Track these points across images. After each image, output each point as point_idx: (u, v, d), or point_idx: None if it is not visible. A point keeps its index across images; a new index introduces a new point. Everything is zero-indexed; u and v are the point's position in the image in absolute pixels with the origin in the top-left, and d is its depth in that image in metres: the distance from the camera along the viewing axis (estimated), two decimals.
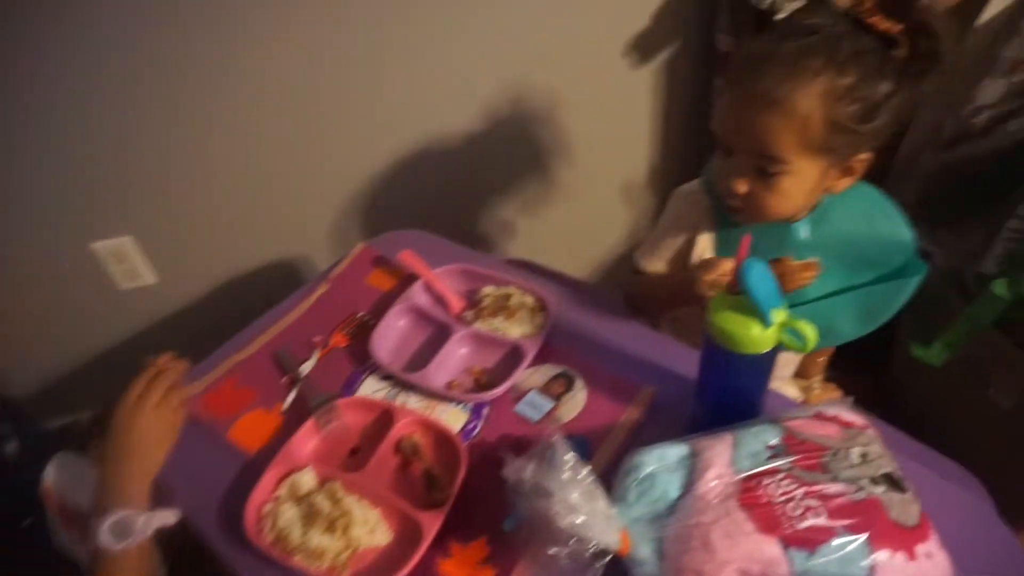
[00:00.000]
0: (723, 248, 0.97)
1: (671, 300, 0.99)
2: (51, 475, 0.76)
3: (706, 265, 0.85)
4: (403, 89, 1.41)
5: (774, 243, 0.90)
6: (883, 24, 0.74)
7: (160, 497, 0.75)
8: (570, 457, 0.64)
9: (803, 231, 0.91)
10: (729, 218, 0.92)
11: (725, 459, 0.67)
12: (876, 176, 1.37)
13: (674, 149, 1.69)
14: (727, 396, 0.79)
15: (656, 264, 1.02)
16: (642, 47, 1.49)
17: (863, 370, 1.57)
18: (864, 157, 0.82)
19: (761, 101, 0.76)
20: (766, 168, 0.80)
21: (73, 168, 1.34)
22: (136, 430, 0.63)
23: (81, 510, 0.77)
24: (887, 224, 0.89)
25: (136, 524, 0.65)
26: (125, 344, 1.60)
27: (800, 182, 0.81)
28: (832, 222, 0.90)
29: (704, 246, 0.97)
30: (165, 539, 0.94)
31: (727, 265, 0.83)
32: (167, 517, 0.70)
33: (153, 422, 0.65)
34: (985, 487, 0.96)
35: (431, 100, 1.44)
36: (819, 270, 0.85)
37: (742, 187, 0.83)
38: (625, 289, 1.07)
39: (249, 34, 1.25)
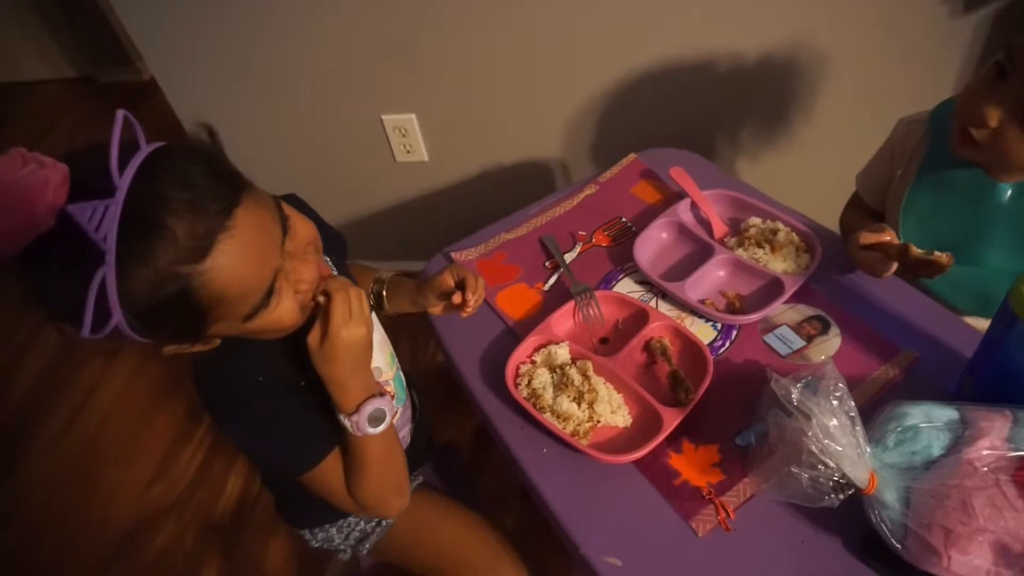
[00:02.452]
0: (922, 187, 0.95)
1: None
2: None
3: (871, 230, 0.89)
4: (688, 15, 1.39)
5: (972, 193, 0.88)
6: None
7: None
8: (841, 387, 0.65)
9: (1008, 193, 0.87)
10: (943, 155, 0.90)
11: (1002, 434, 0.65)
12: None
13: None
14: (1009, 378, 0.74)
15: (866, 186, 1.09)
16: None
17: None
18: None
19: None
20: None
21: (377, 48, 1.51)
22: (359, 340, 0.71)
23: None
24: None
25: (386, 409, 0.76)
26: (394, 209, 1.81)
27: None
28: None
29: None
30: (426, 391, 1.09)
31: (886, 236, 0.87)
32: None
33: (367, 330, 0.72)
34: None
35: (714, 29, 1.40)
36: (944, 270, 0.82)
37: (993, 120, 0.80)
38: (843, 212, 1.15)
39: None
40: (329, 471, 0.78)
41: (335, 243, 0.94)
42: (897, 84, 1.47)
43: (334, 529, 1.01)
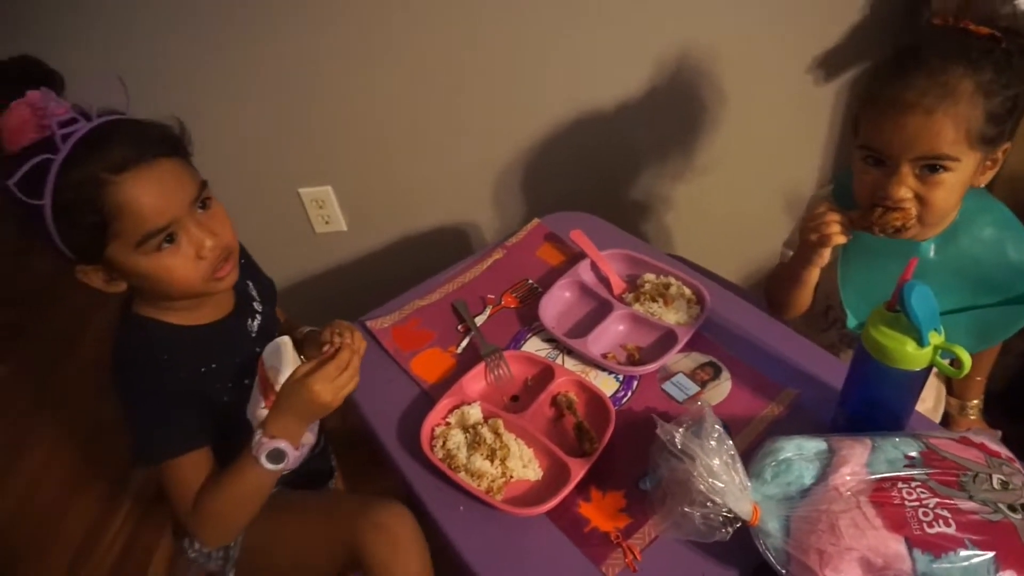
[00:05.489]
0: (850, 258, 1.01)
1: (793, 272, 1.03)
2: (268, 350, 0.92)
3: (813, 213, 0.96)
4: (577, 78, 1.50)
5: (899, 256, 0.91)
6: (983, 29, 0.84)
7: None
8: (718, 428, 0.72)
9: (931, 250, 0.95)
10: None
11: (862, 460, 0.73)
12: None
13: (843, 174, 1.68)
14: (871, 407, 0.83)
15: None
16: (829, 65, 1.50)
17: (1019, 420, 1.51)
18: (1007, 147, 0.89)
19: (922, 106, 0.82)
20: (934, 168, 0.85)
21: (288, 123, 1.57)
22: (320, 402, 0.80)
23: (270, 382, 0.92)
24: (1016, 251, 0.92)
25: (290, 457, 0.83)
26: (316, 278, 1.84)
27: (961, 177, 0.86)
28: (960, 244, 0.94)
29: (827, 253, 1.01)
30: (345, 448, 1.12)
31: (833, 215, 0.93)
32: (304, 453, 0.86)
33: (336, 401, 0.81)
34: None
35: (602, 91, 1.52)
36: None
37: (907, 192, 0.87)
38: (766, 282, 1.16)
39: (438, 16, 1.40)
40: (187, 467, 0.86)
41: (266, 288, 1.06)
42: (772, 142, 1.63)
43: None
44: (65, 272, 0.82)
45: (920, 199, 0.88)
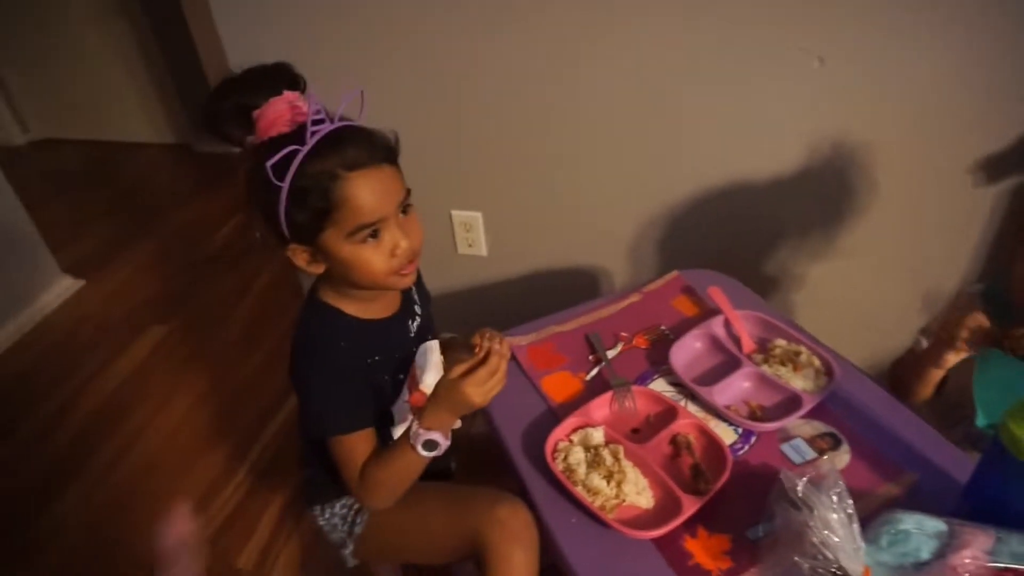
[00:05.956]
0: (991, 363, 0.99)
1: (919, 362, 1.05)
2: (420, 351, 1.04)
3: (963, 312, 0.94)
4: (732, 147, 1.57)
5: None
6: None
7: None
8: (840, 485, 0.75)
9: None
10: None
11: (984, 547, 0.74)
12: None
13: (996, 274, 1.64)
14: (1000, 504, 0.83)
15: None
16: (993, 169, 1.49)
17: None
18: None
19: None
20: None
21: (460, 151, 1.73)
22: (470, 402, 0.91)
23: (416, 380, 1.04)
24: None
25: (441, 446, 0.94)
26: (448, 295, 1.97)
27: None
28: None
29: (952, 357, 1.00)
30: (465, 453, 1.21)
31: (980, 318, 0.91)
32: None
33: (484, 401, 0.92)
34: None
35: (753, 162, 1.58)
36: None
37: None
38: (892, 363, 1.16)
39: (607, 75, 1.52)
40: (357, 442, 0.98)
41: (425, 294, 1.17)
42: (918, 238, 1.62)
43: (339, 504, 1.14)
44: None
45: None
